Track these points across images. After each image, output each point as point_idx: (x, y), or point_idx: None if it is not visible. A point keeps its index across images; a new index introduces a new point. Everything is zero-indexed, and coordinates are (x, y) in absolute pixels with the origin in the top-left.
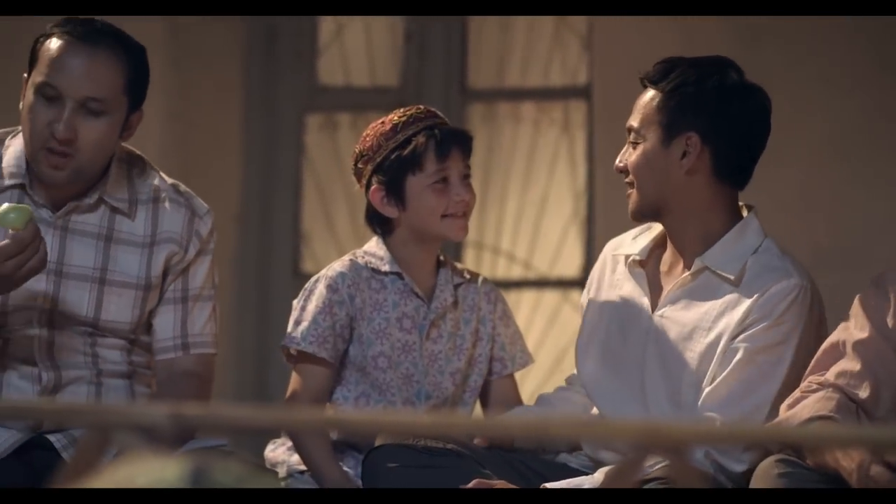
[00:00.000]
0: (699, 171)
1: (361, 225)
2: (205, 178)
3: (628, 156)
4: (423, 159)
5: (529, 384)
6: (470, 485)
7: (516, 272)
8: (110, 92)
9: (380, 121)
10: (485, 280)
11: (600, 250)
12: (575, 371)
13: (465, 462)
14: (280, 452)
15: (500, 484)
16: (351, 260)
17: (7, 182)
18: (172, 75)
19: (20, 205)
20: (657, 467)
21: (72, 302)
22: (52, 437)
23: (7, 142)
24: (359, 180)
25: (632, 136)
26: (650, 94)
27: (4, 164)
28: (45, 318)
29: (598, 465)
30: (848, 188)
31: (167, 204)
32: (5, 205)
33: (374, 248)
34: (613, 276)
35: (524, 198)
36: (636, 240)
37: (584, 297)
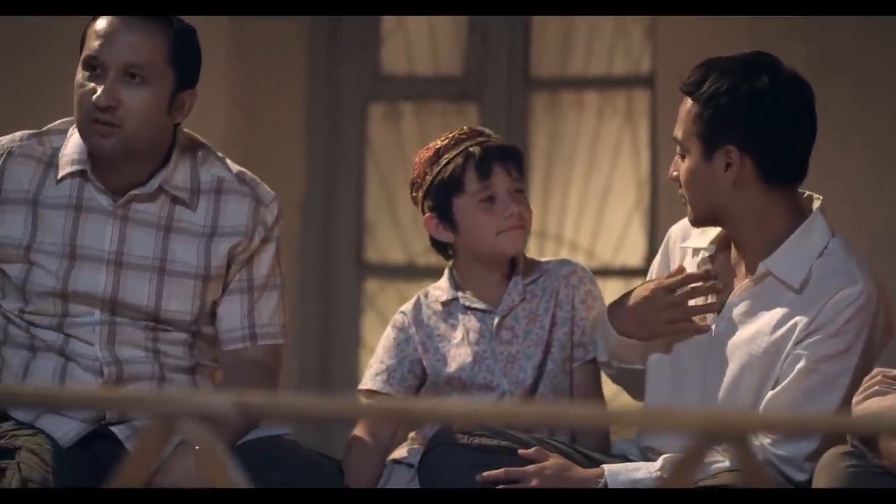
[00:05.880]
0: (747, 181)
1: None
2: (268, 168)
3: (679, 166)
4: (464, 179)
5: None
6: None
7: (579, 261)
8: (151, 59)
9: (426, 147)
10: (566, 263)
11: (663, 239)
12: None
13: (522, 460)
14: None
15: (549, 464)
16: (417, 298)
17: (69, 169)
18: (236, 65)
19: None
20: (719, 469)
21: (132, 292)
22: (115, 429)
23: (70, 131)
24: (418, 207)
25: (678, 148)
26: (689, 104)
27: (67, 151)
28: (107, 308)
29: (655, 454)
30: None
31: (231, 195)
32: None
33: (440, 281)
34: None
35: (587, 186)
36: (704, 231)
37: (649, 279)
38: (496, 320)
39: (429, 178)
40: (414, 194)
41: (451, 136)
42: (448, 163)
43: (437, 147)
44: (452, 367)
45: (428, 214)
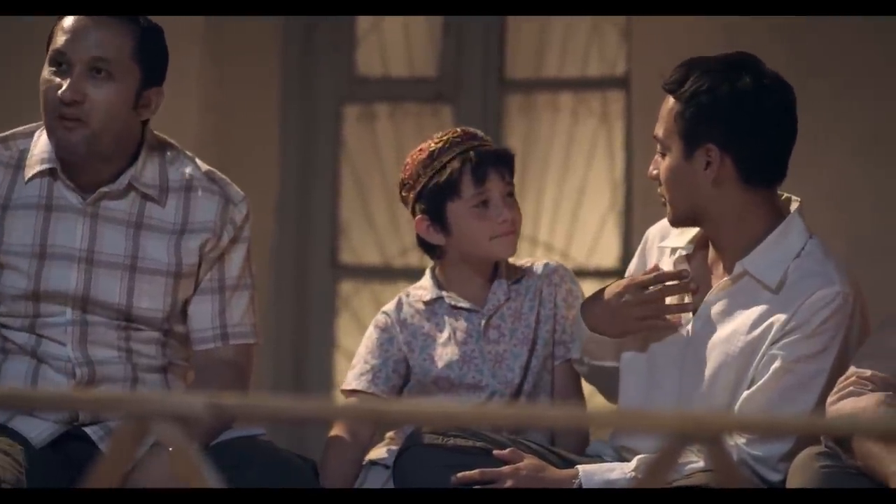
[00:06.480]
0: (726, 180)
1: (399, 215)
2: (243, 170)
3: (659, 165)
4: (460, 185)
5: None
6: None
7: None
8: (117, 54)
9: (418, 148)
10: (547, 264)
11: (638, 241)
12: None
13: (496, 461)
14: None
15: (525, 464)
16: (399, 299)
17: (39, 168)
18: (210, 67)
19: None
20: (693, 470)
21: (104, 290)
22: (88, 429)
23: (37, 133)
24: (407, 207)
25: (659, 147)
26: (670, 102)
27: (36, 151)
28: (78, 306)
29: (630, 454)
30: (888, 180)
31: (200, 193)
32: None
33: (421, 281)
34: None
35: (562, 188)
36: (683, 231)
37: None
38: (483, 320)
39: (423, 179)
40: (404, 194)
41: (444, 138)
42: (444, 167)
43: (431, 149)
44: (440, 365)
45: (419, 216)
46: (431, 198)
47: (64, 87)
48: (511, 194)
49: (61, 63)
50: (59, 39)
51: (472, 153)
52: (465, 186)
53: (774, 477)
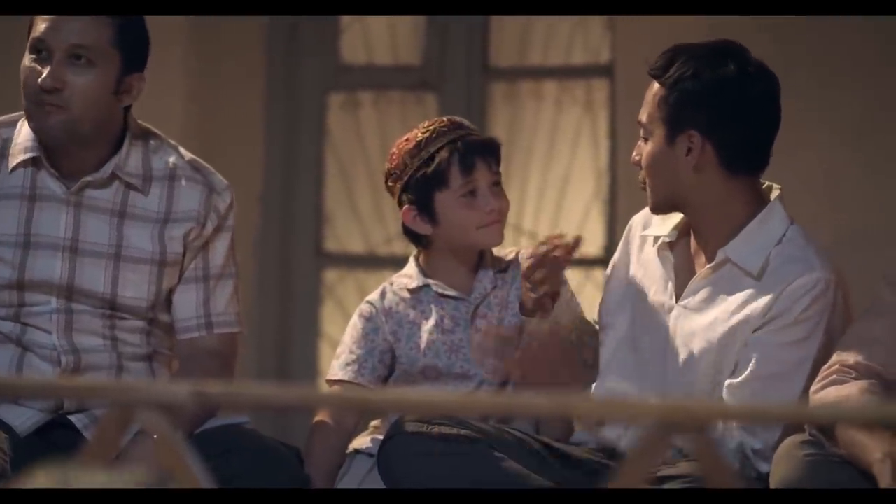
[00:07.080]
0: (707, 166)
1: (384, 204)
2: (227, 159)
3: (642, 150)
4: (448, 175)
5: None
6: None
7: None
8: (96, 41)
9: (405, 137)
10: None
11: (622, 229)
12: None
13: (481, 448)
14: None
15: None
16: (383, 288)
17: (22, 157)
18: (194, 56)
19: None
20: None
21: (88, 279)
22: (73, 418)
23: (21, 122)
24: (393, 197)
25: (642, 132)
26: (655, 87)
27: (19, 140)
28: (63, 296)
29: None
30: (872, 170)
31: (183, 182)
32: None
33: (405, 269)
34: (641, 255)
35: (546, 176)
36: (665, 219)
37: (609, 268)
38: (471, 308)
39: (410, 170)
40: (391, 184)
41: (431, 127)
42: (432, 157)
43: (418, 139)
44: (428, 355)
45: (407, 207)
46: (419, 188)
47: (44, 75)
48: (498, 183)
49: (41, 50)
50: (39, 27)
51: (459, 143)
52: (453, 176)
53: (765, 468)
